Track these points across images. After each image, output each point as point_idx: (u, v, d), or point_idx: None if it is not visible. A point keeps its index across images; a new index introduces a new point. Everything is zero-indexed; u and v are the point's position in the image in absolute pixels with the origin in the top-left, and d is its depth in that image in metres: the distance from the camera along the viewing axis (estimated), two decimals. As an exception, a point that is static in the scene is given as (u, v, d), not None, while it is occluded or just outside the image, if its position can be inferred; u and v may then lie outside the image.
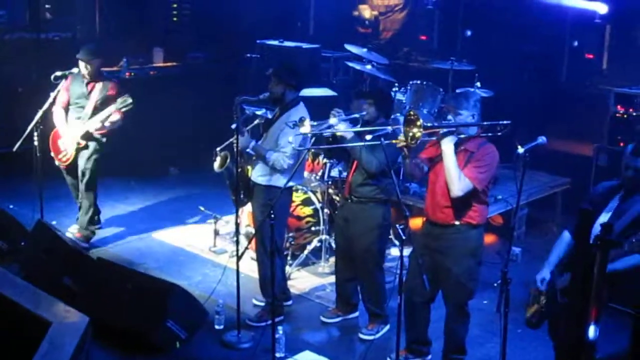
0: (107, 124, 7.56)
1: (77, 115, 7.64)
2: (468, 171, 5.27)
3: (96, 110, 7.55)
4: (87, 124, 7.55)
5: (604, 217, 4.78)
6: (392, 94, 8.55)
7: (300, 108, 6.38)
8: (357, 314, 6.68)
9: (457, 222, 5.43)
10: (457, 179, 5.22)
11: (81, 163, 7.69)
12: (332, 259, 7.58)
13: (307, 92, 8.81)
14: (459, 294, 5.63)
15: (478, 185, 5.28)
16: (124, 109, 7.50)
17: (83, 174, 7.71)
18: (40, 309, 4.37)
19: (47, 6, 10.72)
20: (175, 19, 12.02)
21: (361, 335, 6.37)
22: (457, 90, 7.78)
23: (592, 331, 4.15)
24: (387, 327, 6.43)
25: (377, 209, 6.15)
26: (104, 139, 7.68)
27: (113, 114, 7.50)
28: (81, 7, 10.92)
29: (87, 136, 7.60)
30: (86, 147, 7.64)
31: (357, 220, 6.21)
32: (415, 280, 5.50)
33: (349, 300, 6.64)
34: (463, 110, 5.33)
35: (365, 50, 9.23)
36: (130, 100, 7.47)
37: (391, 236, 7.16)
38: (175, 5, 11.97)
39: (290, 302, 6.85)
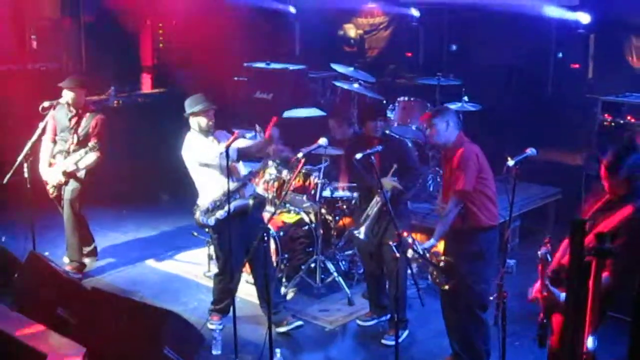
0: (81, 165, 7.54)
1: (60, 148, 7.62)
2: (454, 184, 5.64)
3: (79, 144, 7.53)
4: (63, 164, 7.53)
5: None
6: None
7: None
8: (389, 316, 6.79)
9: (464, 227, 5.68)
10: (449, 211, 5.68)
11: (65, 196, 7.68)
12: (328, 280, 7.56)
13: (295, 113, 8.85)
14: (468, 296, 5.76)
15: (466, 188, 5.59)
16: (94, 153, 7.47)
17: (66, 206, 7.70)
18: (36, 341, 4.34)
19: (33, 36, 10.74)
20: (161, 45, 12.05)
21: (384, 342, 6.53)
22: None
23: (590, 342, 4.14)
24: (407, 332, 6.63)
25: (401, 215, 6.31)
26: (82, 174, 7.65)
27: (88, 155, 7.47)
28: (67, 36, 10.93)
29: (66, 173, 7.58)
30: (67, 182, 7.63)
31: (390, 227, 6.33)
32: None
33: (379, 303, 6.87)
34: (435, 120, 5.80)
35: (351, 69, 9.25)
36: (97, 147, 7.45)
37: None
38: (161, 32, 12.01)
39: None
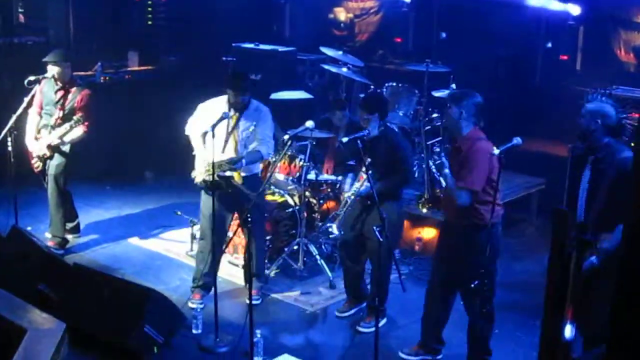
0: (66, 139, 7.50)
1: (45, 122, 7.58)
2: (462, 179, 5.46)
3: (64, 119, 7.49)
4: (48, 138, 7.49)
5: (581, 198, 5.13)
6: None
7: (255, 102, 6.84)
8: (365, 304, 6.77)
9: (465, 223, 5.59)
10: (455, 194, 5.48)
11: (49, 171, 7.64)
12: (310, 263, 7.58)
13: (283, 95, 8.84)
14: (483, 293, 5.62)
15: (475, 188, 5.45)
16: (80, 127, 7.44)
17: (50, 181, 7.66)
18: (16, 316, 4.34)
19: (20, 10, 10.64)
20: (150, 22, 11.96)
21: (359, 329, 6.49)
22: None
23: (568, 331, 4.18)
24: (384, 320, 6.55)
25: (391, 206, 6.28)
26: (68, 149, 7.61)
27: (73, 129, 7.44)
28: (54, 11, 10.83)
29: (51, 147, 7.54)
30: (52, 157, 7.59)
31: (371, 216, 6.33)
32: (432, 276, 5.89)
33: (357, 294, 6.82)
34: (451, 104, 5.65)
35: (340, 52, 9.24)
36: (81, 121, 7.42)
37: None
38: (150, 9, 11.92)
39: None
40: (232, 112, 6.65)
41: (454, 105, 5.61)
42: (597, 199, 5.03)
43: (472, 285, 5.51)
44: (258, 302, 6.81)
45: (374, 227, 5.47)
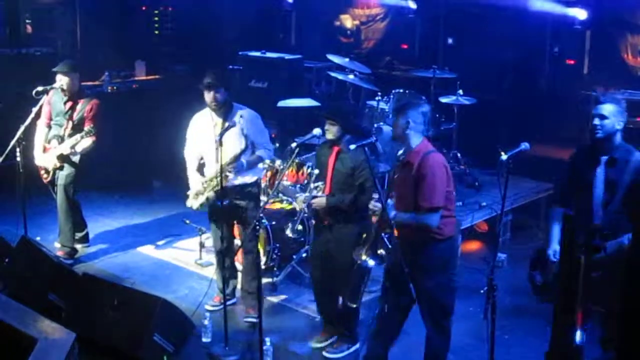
0: (78, 149, 7.52)
1: (55, 133, 7.61)
2: (422, 201, 5.23)
3: (74, 129, 7.51)
4: (59, 148, 7.51)
5: (597, 197, 5.08)
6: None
7: (236, 105, 6.67)
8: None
9: (423, 238, 5.35)
10: (424, 221, 5.23)
11: (58, 181, 7.66)
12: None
13: (290, 102, 8.86)
14: (434, 310, 5.52)
15: (440, 204, 5.24)
16: (90, 137, 7.45)
17: (59, 192, 7.68)
18: (26, 326, 4.34)
19: (27, 21, 10.70)
20: (157, 32, 12.03)
21: (325, 354, 6.18)
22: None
23: (579, 336, 4.18)
24: (357, 345, 6.22)
25: (351, 226, 6.03)
26: (77, 159, 7.63)
27: (84, 139, 7.45)
28: (62, 21, 10.91)
29: (61, 158, 7.57)
30: (62, 167, 7.61)
31: (338, 240, 6.11)
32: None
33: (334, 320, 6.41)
34: (397, 115, 5.42)
35: (347, 60, 9.25)
36: (93, 131, 7.44)
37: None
38: (157, 19, 11.98)
39: None
40: (215, 119, 6.55)
41: (398, 117, 5.35)
42: (615, 200, 4.99)
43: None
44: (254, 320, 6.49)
45: (381, 234, 5.36)
